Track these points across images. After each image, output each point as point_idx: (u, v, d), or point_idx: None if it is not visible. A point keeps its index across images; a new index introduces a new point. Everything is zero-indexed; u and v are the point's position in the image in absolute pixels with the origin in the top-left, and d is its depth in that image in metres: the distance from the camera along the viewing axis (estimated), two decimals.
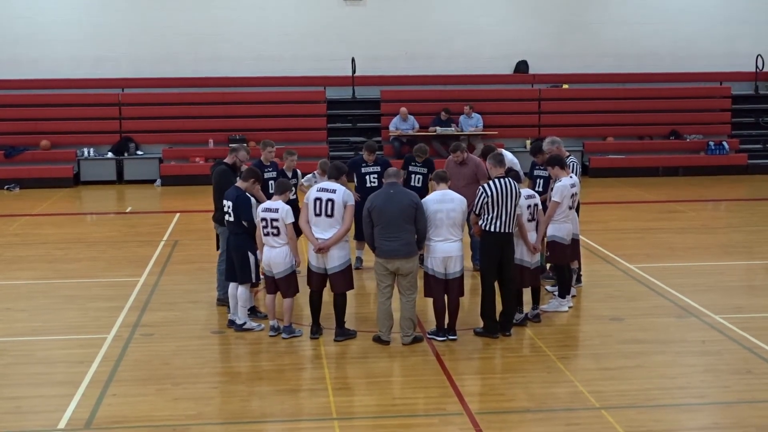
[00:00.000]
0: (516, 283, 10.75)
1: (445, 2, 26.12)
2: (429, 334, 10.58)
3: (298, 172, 13.30)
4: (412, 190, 11.16)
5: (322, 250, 10.23)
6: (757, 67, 26.38)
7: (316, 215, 10.29)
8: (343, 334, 10.51)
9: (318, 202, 10.29)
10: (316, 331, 10.60)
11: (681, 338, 10.66)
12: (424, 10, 26.07)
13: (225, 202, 10.80)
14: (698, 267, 14.24)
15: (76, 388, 9.06)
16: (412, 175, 13.64)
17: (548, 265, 12.40)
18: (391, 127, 24.32)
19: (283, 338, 10.54)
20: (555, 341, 10.48)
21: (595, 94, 26.10)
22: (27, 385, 9.30)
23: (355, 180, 13.49)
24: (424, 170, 13.59)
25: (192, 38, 25.44)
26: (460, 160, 13.23)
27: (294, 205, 11.65)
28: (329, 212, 10.24)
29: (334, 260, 10.31)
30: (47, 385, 9.27)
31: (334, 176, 10.58)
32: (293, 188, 12.62)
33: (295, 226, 10.46)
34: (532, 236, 10.89)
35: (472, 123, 24.41)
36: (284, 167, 13.12)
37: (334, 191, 10.31)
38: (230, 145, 12.67)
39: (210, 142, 24.34)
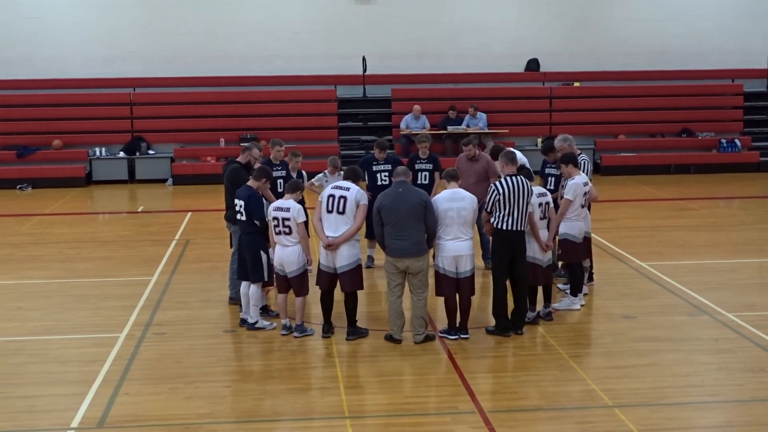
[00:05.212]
0: (529, 281, 10.73)
1: (455, 0, 26.11)
2: (441, 332, 10.57)
3: (303, 173, 13.26)
4: (420, 188, 11.11)
5: (331, 246, 10.24)
6: None
7: (328, 212, 10.29)
8: (354, 332, 10.51)
9: (331, 199, 10.30)
10: (328, 329, 10.60)
11: (694, 336, 10.63)
12: (434, 8, 26.04)
13: (237, 201, 10.81)
14: (710, 265, 14.19)
15: (89, 387, 9.09)
16: (419, 173, 13.55)
17: (560, 264, 12.38)
18: (402, 125, 24.30)
19: (295, 337, 10.55)
20: (567, 339, 10.47)
21: (607, 92, 26.03)
22: (40, 383, 9.33)
23: (366, 178, 13.47)
24: (430, 166, 13.57)
25: (203, 37, 25.49)
26: (472, 155, 13.21)
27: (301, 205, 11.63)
28: (341, 209, 10.24)
29: (344, 259, 10.29)
30: (60, 383, 9.31)
31: (351, 179, 10.58)
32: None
33: (307, 225, 10.45)
34: (543, 234, 10.86)
35: (476, 123, 24.32)
36: (289, 168, 13.11)
37: (347, 189, 10.32)
38: (242, 144, 12.64)
39: (221, 141, 24.39)
